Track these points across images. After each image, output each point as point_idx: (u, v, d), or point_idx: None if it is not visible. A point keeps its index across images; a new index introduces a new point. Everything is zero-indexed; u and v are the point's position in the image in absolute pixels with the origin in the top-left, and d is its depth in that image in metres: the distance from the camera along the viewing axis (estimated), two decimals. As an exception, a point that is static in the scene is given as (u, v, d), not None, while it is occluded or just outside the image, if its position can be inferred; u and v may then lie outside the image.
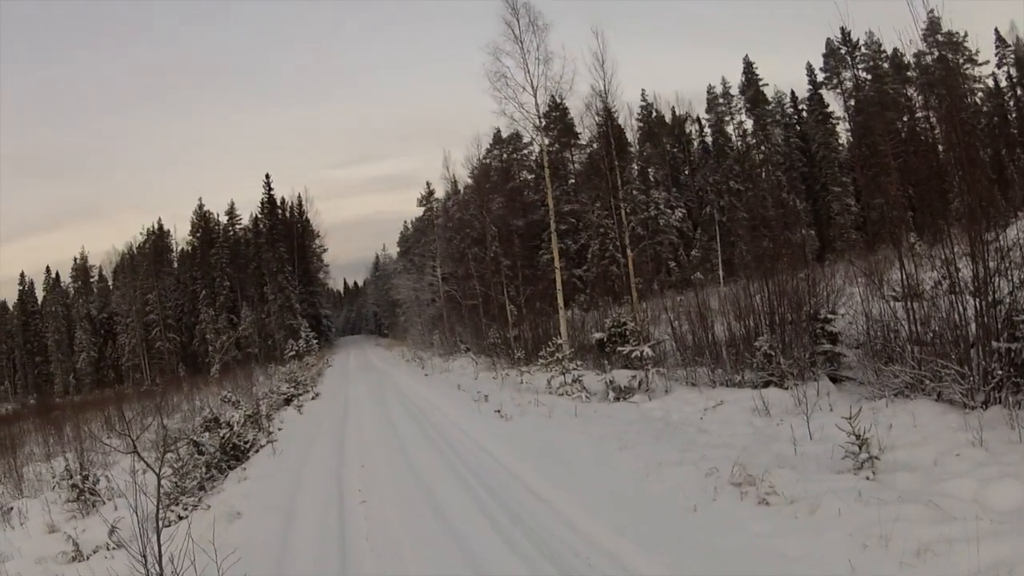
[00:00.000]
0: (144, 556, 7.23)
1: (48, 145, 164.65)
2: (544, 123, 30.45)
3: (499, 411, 19.22)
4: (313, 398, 33.01)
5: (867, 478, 9.08)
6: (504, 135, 64.43)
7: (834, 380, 15.29)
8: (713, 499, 9.50)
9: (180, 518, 13.14)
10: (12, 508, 17.59)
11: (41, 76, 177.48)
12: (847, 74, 65.04)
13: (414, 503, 11.92)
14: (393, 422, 21.66)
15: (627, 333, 23.30)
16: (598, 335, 25.39)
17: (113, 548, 11.82)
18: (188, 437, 19.24)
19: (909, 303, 13.43)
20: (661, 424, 15.04)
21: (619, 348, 21.94)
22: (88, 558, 12.32)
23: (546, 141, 31.30)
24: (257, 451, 19.20)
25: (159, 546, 7.38)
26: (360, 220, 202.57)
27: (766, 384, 16.03)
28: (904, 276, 13.76)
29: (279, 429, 22.91)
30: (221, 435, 18.51)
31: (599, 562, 8.32)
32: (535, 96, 29.15)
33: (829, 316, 16.16)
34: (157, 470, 8.00)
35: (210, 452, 17.69)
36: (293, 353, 57.93)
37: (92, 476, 17.35)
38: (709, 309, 20.94)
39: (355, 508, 12.18)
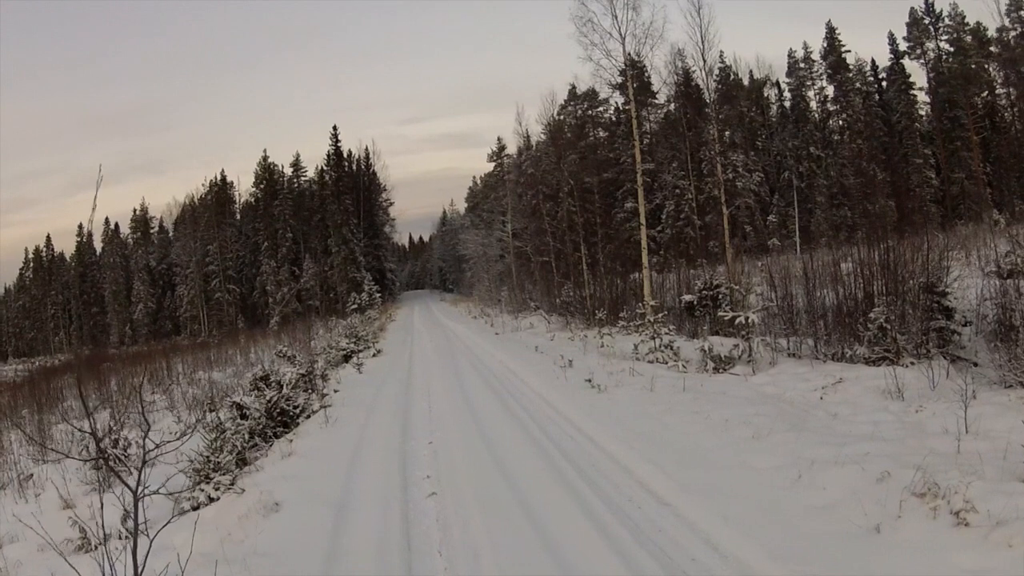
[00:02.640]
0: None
1: (113, 102, 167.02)
2: (632, 72, 28.55)
3: (589, 380, 16.63)
4: (374, 355, 31.16)
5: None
6: (580, 91, 64.15)
7: (948, 360, 13.57)
8: (897, 515, 7.23)
9: (211, 500, 11.09)
10: (32, 476, 15.72)
11: (107, 35, 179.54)
12: (930, 45, 63.87)
13: (497, 499, 9.57)
14: (465, 388, 19.18)
15: (719, 296, 21.81)
16: (688, 297, 23.51)
17: (126, 538, 9.80)
18: (230, 399, 17.14)
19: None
20: (785, 405, 12.62)
21: (720, 314, 19.89)
22: (96, 548, 10.03)
23: (632, 87, 29.15)
24: (308, 417, 16.76)
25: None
26: (428, 176, 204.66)
27: (879, 360, 14.32)
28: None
29: (335, 391, 20.47)
30: (267, 398, 16.10)
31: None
32: (623, 44, 27.53)
33: (946, 289, 14.58)
34: (135, 485, 5.53)
35: (255, 417, 15.42)
36: (355, 306, 56.63)
37: (123, 440, 14.88)
38: (805, 275, 19.02)
39: (422, 504, 9.78)
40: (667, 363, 18.40)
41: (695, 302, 22.94)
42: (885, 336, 14.39)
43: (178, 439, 6.03)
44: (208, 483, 11.40)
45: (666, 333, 19.95)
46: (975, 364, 13.31)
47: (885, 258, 15.77)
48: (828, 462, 8.78)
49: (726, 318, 18.59)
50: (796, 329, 17.97)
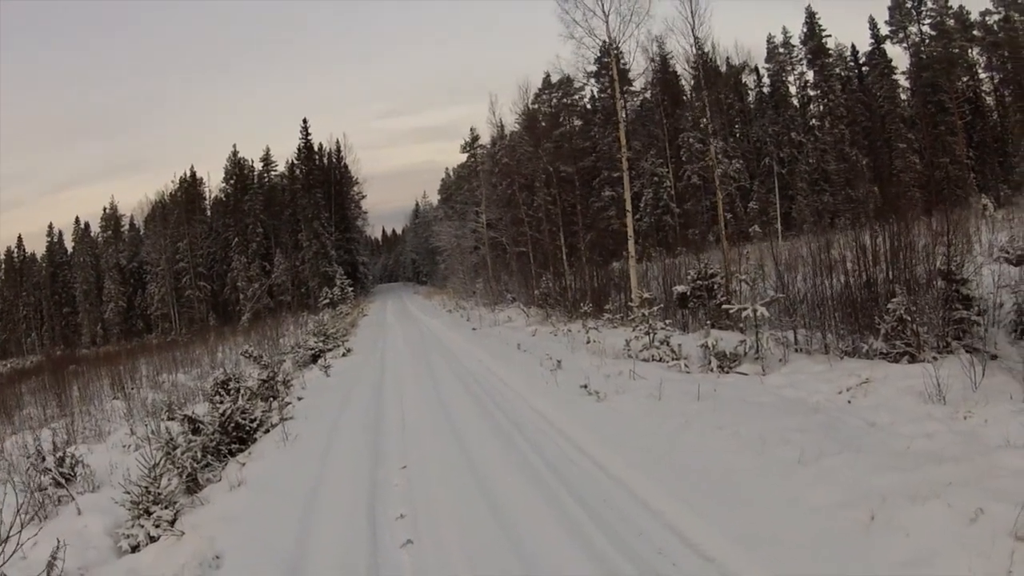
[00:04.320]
0: None
1: (85, 104, 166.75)
2: (616, 51, 28.72)
3: (586, 386, 14.79)
4: (344, 354, 29.77)
5: None
6: (555, 79, 63.72)
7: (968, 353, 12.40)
8: (1008, 571, 5.65)
9: (152, 539, 9.34)
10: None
11: (78, 37, 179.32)
12: (912, 29, 64.46)
13: (489, 552, 7.60)
14: (442, 396, 17.09)
15: (714, 287, 20.60)
16: (680, 288, 22.00)
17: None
18: (182, 412, 15.54)
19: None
20: (819, 415, 10.85)
21: (725, 306, 18.32)
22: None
23: (617, 67, 28.23)
24: (267, 431, 15.00)
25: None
26: (402, 170, 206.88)
27: (899, 356, 13.17)
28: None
29: (298, 399, 18.95)
30: (220, 411, 14.36)
31: None
32: (606, 21, 26.80)
33: (965, 277, 13.43)
34: None
35: (208, 433, 13.71)
36: (327, 301, 55.96)
37: (70, 457, 13.22)
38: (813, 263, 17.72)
39: (395, 556, 7.83)
40: (666, 361, 16.98)
41: (688, 293, 21.50)
42: (905, 329, 13.18)
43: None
44: (148, 518, 9.69)
45: (662, 328, 18.48)
46: (993, 357, 12.11)
47: (897, 243, 14.70)
48: (902, 496, 7.08)
49: (732, 311, 17.06)
50: (803, 322, 16.66)
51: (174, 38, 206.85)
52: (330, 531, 8.88)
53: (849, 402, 11.56)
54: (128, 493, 9.73)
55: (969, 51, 62.39)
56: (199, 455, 12.67)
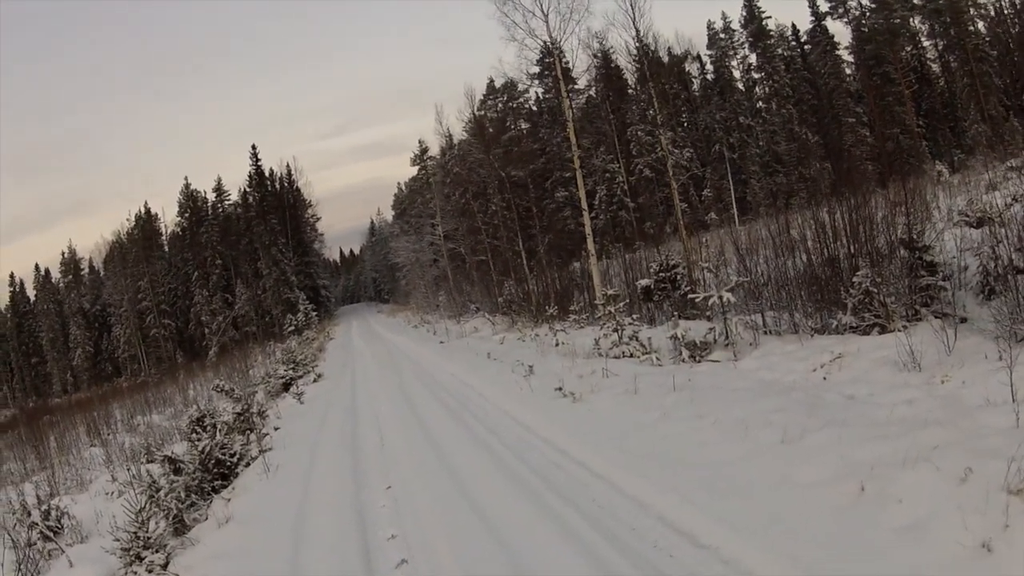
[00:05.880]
0: None
1: (30, 142, 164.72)
2: (558, 51, 28.62)
3: (560, 388, 14.66)
4: (315, 380, 29.62)
5: None
6: (499, 84, 63.92)
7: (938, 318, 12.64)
8: (1005, 525, 5.62)
9: None
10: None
11: (19, 73, 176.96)
12: (852, 3, 64.70)
13: (483, 564, 7.45)
14: (418, 412, 16.94)
15: (678, 277, 20.70)
16: (644, 281, 22.18)
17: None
18: (162, 453, 15.45)
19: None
20: (797, 393, 10.85)
21: (691, 295, 18.37)
22: None
23: (560, 65, 28.18)
24: (248, 465, 14.85)
25: None
26: (353, 188, 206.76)
27: (869, 328, 13.21)
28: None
29: (275, 429, 18.84)
30: (200, 448, 14.18)
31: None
32: (546, 21, 26.73)
33: (928, 244, 13.44)
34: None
35: (189, 472, 13.63)
36: (292, 328, 56.94)
37: (55, 510, 13.15)
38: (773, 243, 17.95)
39: None
40: (637, 357, 16.92)
41: (652, 286, 21.65)
42: (872, 301, 13.27)
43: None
44: (140, 563, 9.61)
45: (629, 323, 18.34)
46: (963, 320, 12.17)
47: (855, 217, 14.69)
48: (890, 464, 7.04)
49: (698, 299, 17.15)
50: (769, 304, 16.79)
51: (108, 75, 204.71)
52: (323, 557, 8.78)
53: (825, 378, 11.66)
54: (117, 540, 9.63)
55: (911, 20, 62.71)
56: (183, 495, 12.54)
